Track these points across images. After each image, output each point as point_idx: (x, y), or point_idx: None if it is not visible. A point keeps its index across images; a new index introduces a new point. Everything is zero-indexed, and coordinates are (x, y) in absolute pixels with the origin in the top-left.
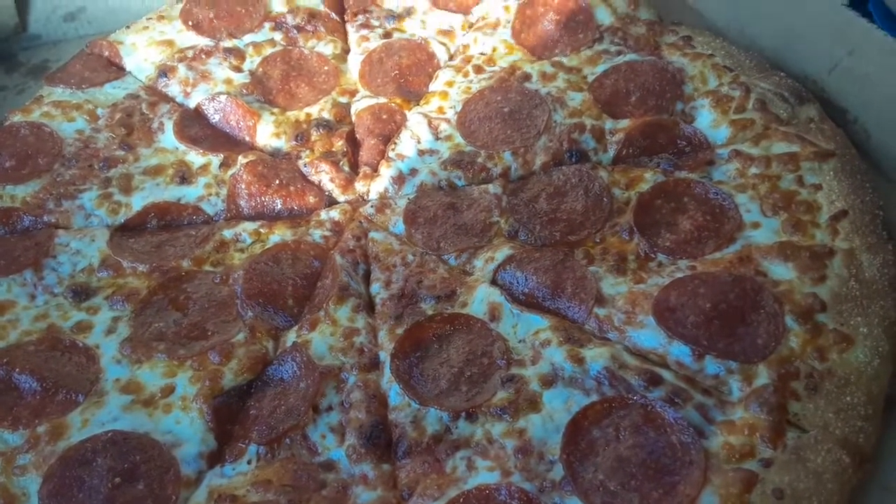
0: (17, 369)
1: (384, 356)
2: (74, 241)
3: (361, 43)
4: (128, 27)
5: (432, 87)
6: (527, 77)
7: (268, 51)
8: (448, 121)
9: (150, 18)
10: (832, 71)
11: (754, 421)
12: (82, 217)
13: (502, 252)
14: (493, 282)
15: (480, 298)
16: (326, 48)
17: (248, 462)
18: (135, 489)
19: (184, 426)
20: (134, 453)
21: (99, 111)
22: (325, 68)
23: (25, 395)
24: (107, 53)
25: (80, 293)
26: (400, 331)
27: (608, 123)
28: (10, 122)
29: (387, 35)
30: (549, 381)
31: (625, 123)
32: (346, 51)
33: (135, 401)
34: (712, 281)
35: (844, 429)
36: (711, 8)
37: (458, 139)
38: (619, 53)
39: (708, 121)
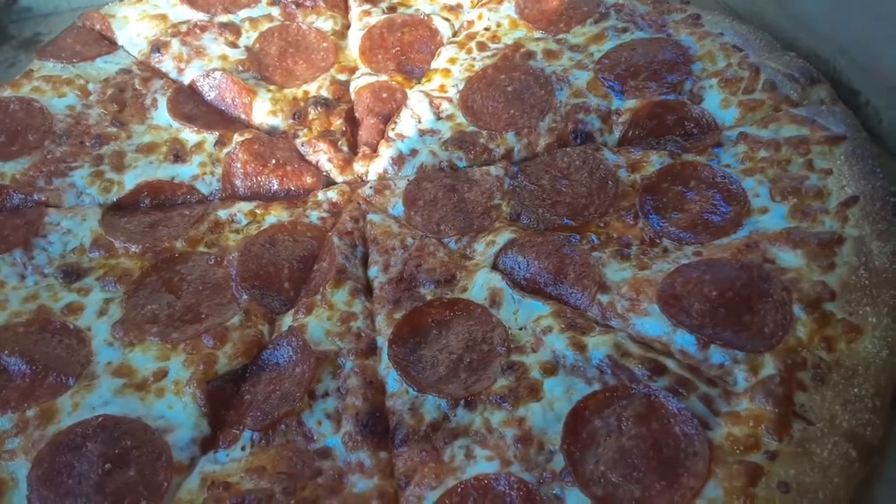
0: (5, 351)
1: (382, 341)
2: (65, 220)
3: (363, 18)
4: (121, 0)
5: (434, 64)
6: (531, 55)
7: (265, 26)
8: (450, 100)
9: None
10: (844, 52)
11: (760, 412)
12: (73, 195)
13: (504, 236)
14: (494, 266)
15: (481, 283)
16: (326, 24)
17: (242, 448)
18: (126, 475)
19: (177, 411)
20: (125, 438)
21: (90, 86)
22: (324, 45)
23: (14, 377)
24: (98, 27)
25: (71, 274)
26: (398, 315)
27: (614, 103)
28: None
29: (391, 9)
30: (550, 369)
31: (631, 104)
32: (346, 27)
33: (127, 385)
34: (719, 268)
35: (852, 421)
36: None
37: (460, 119)
38: (625, 31)
39: (716, 102)
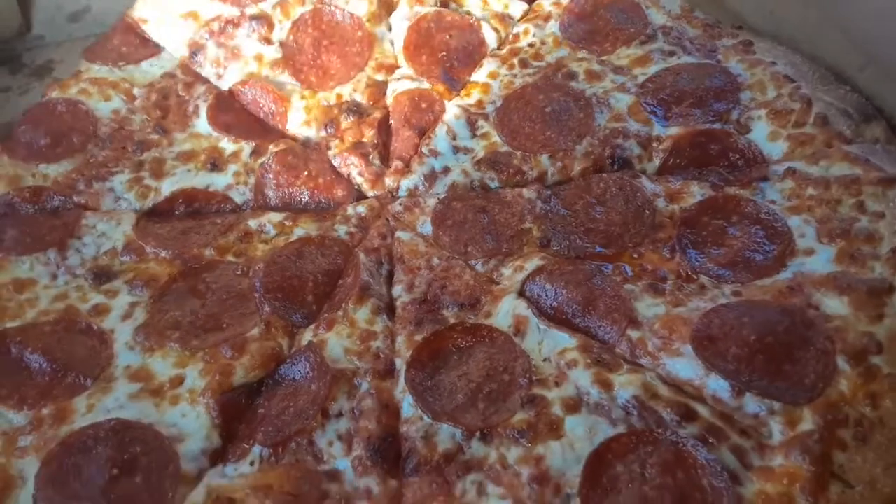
0: (29, 348)
1: (400, 364)
2: (101, 223)
3: (413, 5)
4: None
5: (475, 76)
6: (572, 75)
7: (297, 11)
8: (486, 117)
9: None
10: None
11: (795, 470)
12: (111, 200)
13: (532, 262)
14: (521, 293)
15: (506, 310)
16: (360, 5)
17: (251, 464)
18: (132, 482)
19: (189, 420)
20: (135, 444)
21: (136, 91)
22: (359, 34)
23: (35, 375)
24: (140, 28)
25: (101, 276)
26: (419, 338)
27: (655, 130)
28: (47, 98)
29: (443, 3)
30: (572, 406)
31: (674, 130)
32: (384, 7)
33: (143, 389)
34: (759, 310)
35: (894, 487)
36: None
37: (496, 138)
38: (672, 54)
39: (764, 133)
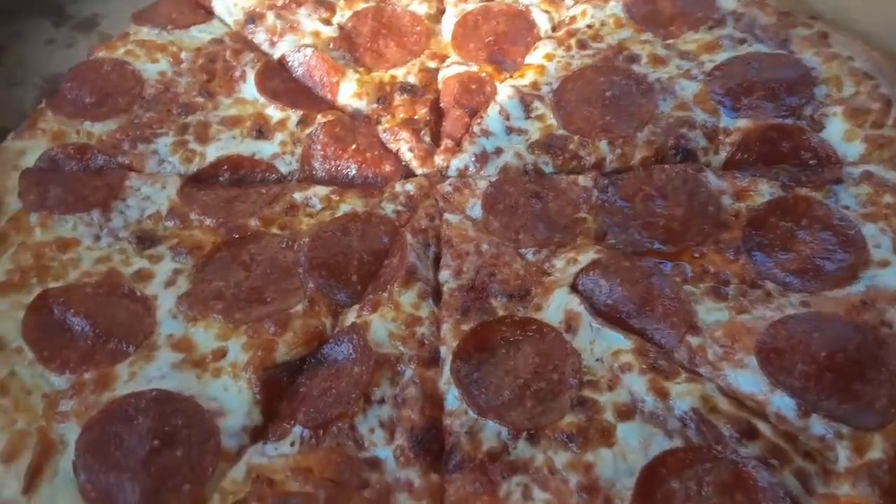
0: (71, 310)
1: (445, 353)
2: (145, 186)
3: (458, 4)
4: None
5: (529, 59)
6: (634, 58)
7: (360, 6)
8: (542, 98)
9: None
10: None
11: (862, 500)
12: (155, 162)
13: (587, 255)
14: (573, 287)
15: (557, 304)
16: (421, 7)
17: (292, 444)
18: (172, 455)
19: (231, 395)
20: (177, 416)
21: (183, 54)
22: (417, 28)
23: (77, 338)
24: None
25: (145, 240)
26: (465, 327)
27: (723, 121)
28: (94, 57)
29: None
30: (625, 413)
31: (743, 123)
32: (442, 12)
33: (185, 360)
34: (830, 325)
35: None
36: None
37: (551, 120)
38: (742, 42)
39: (839, 132)
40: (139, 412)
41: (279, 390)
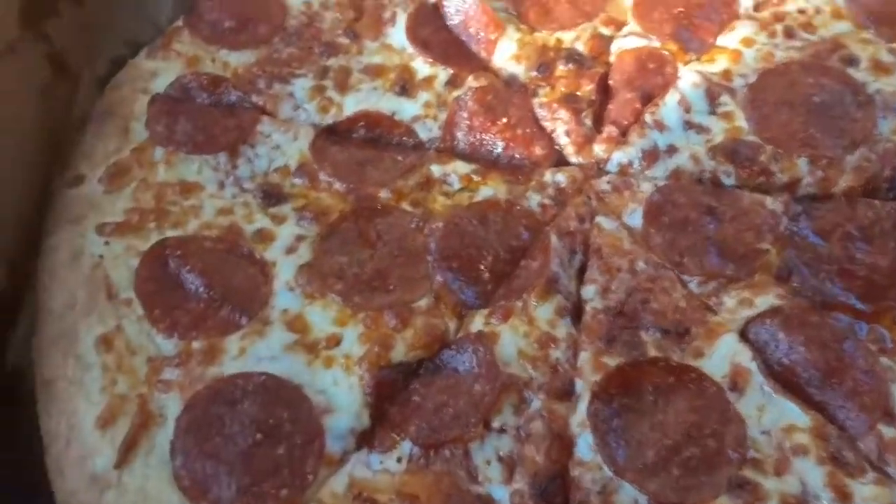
0: (188, 266)
1: (581, 387)
2: (277, 134)
3: None
4: None
5: (722, 40)
6: (852, 60)
7: None
8: (733, 92)
9: None
10: None
11: None
12: (290, 107)
13: (765, 297)
14: (743, 334)
15: (723, 353)
16: None
17: (398, 460)
18: (274, 453)
19: (341, 390)
20: (283, 408)
21: None
22: None
23: (190, 298)
24: None
25: (271, 196)
26: (609, 361)
27: None
28: None
29: None
30: None
31: None
32: None
33: (298, 342)
34: None
35: None
36: None
37: (741, 122)
38: None
39: None
40: (245, 396)
41: (392, 393)
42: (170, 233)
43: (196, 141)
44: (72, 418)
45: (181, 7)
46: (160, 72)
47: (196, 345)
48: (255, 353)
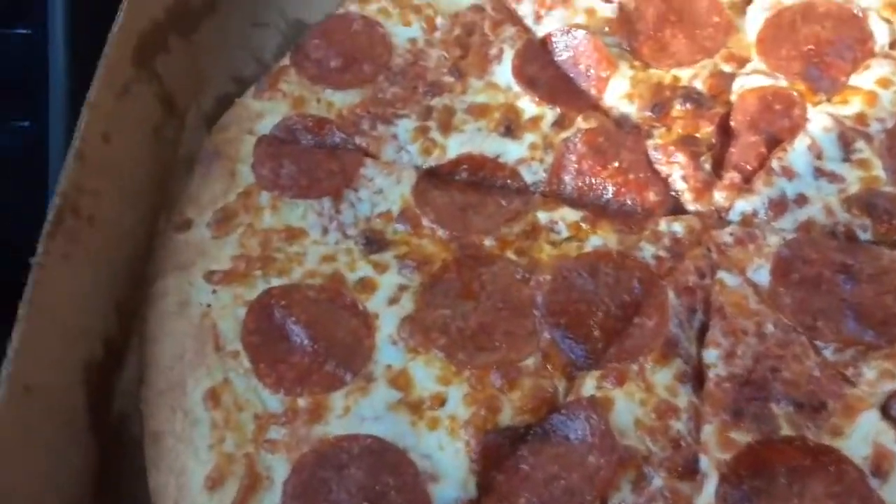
0: (293, 317)
1: (706, 466)
2: (379, 178)
3: None
4: None
5: (856, 80)
6: None
7: None
8: (869, 138)
9: None
10: None
11: None
12: (393, 149)
13: None
14: (885, 411)
15: (864, 433)
16: None
17: None
18: None
19: (447, 455)
20: (389, 474)
21: (438, 20)
22: (716, 20)
23: (295, 351)
24: None
25: (373, 242)
26: (736, 436)
27: None
28: (345, 10)
29: None
30: None
31: None
32: (748, 1)
33: (402, 401)
34: None
35: None
36: None
37: (878, 170)
38: None
39: None
40: (352, 460)
41: (498, 459)
42: (275, 281)
43: (300, 185)
44: (181, 477)
45: (286, 43)
46: (266, 112)
47: (301, 402)
48: (360, 412)
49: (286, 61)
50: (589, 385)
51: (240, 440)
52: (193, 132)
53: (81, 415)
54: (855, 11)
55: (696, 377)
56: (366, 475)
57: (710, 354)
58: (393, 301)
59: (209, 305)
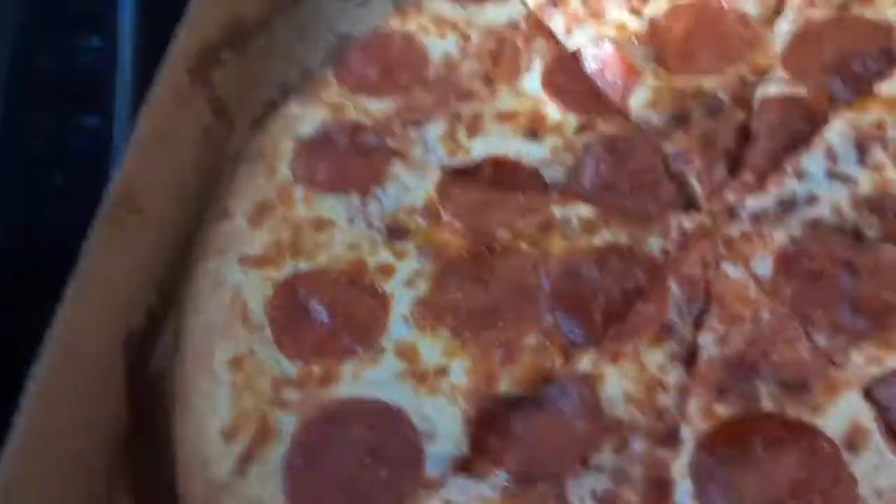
0: (316, 297)
1: (687, 435)
2: (406, 176)
3: (804, 8)
4: None
5: (878, 89)
6: None
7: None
8: (885, 146)
9: None
10: None
11: None
12: (421, 150)
13: None
14: (868, 393)
15: (843, 411)
16: (753, 8)
17: (493, 488)
18: (377, 476)
19: (444, 417)
20: (390, 431)
21: (473, 35)
22: (743, 34)
23: (314, 326)
24: None
25: (395, 232)
26: (721, 410)
27: None
28: (387, 26)
29: (842, 7)
30: None
31: None
32: (777, 13)
33: (407, 371)
34: None
35: None
36: None
37: (891, 174)
38: None
39: None
40: (356, 418)
41: (492, 423)
42: (302, 265)
43: (333, 181)
44: (201, 429)
45: (331, 54)
46: (307, 118)
47: (315, 368)
48: (369, 378)
49: (329, 72)
50: (585, 363)
51: (257, 400)
52: (241, 134)
53: (121, 372)
54: (883, 24)
55: (689, 358)
56: (368, 431)
57: (705, 339)
58: (409, 284)
59: (241, 285)
